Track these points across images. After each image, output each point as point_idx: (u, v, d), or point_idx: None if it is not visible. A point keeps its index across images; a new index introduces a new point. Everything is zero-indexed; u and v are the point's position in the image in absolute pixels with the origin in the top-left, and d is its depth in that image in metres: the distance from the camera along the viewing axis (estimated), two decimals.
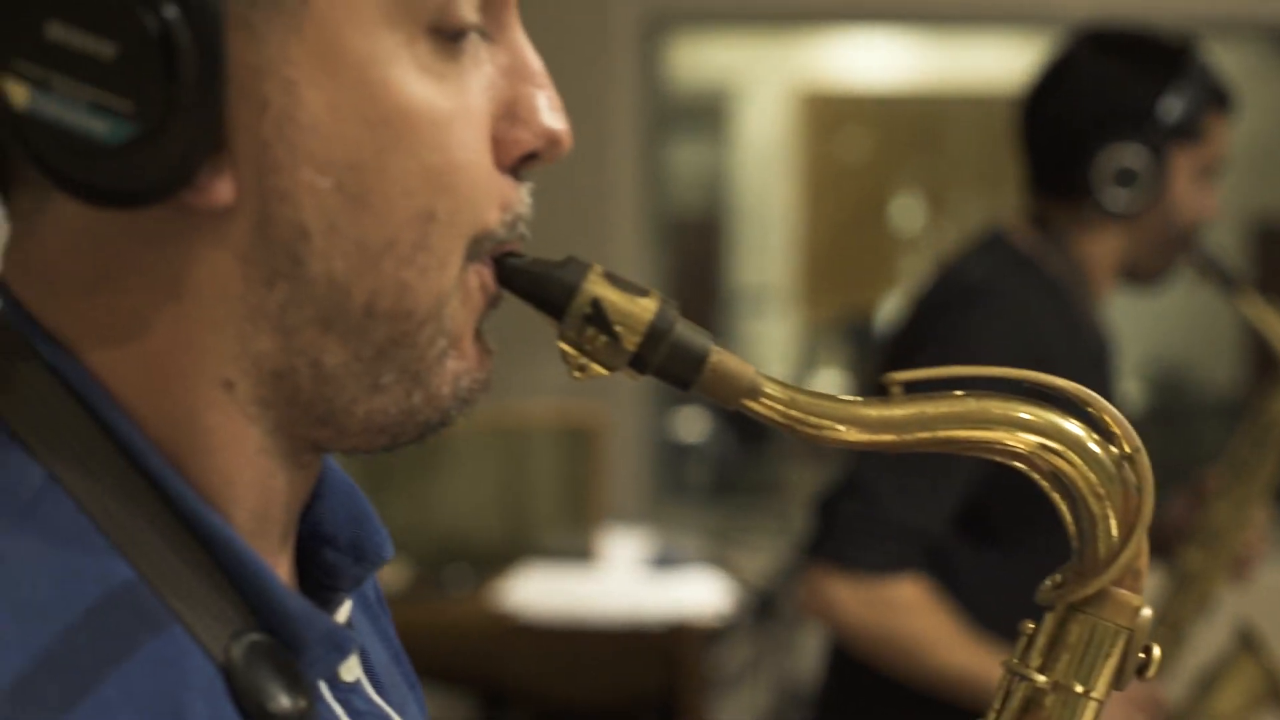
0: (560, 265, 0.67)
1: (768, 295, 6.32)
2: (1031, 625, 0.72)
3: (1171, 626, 2.16)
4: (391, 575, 3.44)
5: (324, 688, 0.68)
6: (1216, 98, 1.98)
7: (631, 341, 0.65)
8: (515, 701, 3.70)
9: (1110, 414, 0.69)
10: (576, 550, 3.75)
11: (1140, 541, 0.69)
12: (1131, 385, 5.69)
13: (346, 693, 0.70)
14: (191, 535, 0.62)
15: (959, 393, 0.69)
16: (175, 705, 0.59)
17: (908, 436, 0.68)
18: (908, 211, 6.34)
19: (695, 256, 6.27)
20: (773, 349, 6.38)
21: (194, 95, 0.57)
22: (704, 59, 6.19)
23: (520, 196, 0.67)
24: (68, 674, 0.56)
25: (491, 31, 0.66)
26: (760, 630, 4.06)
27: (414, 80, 0.62)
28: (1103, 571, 0.69)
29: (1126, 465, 0.69)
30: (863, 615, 1.83)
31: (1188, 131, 1.93)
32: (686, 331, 0.66)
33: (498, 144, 0.66)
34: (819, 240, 6.43)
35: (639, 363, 0.66)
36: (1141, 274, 2.07)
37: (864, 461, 1.81)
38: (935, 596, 1.86)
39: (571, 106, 0.69)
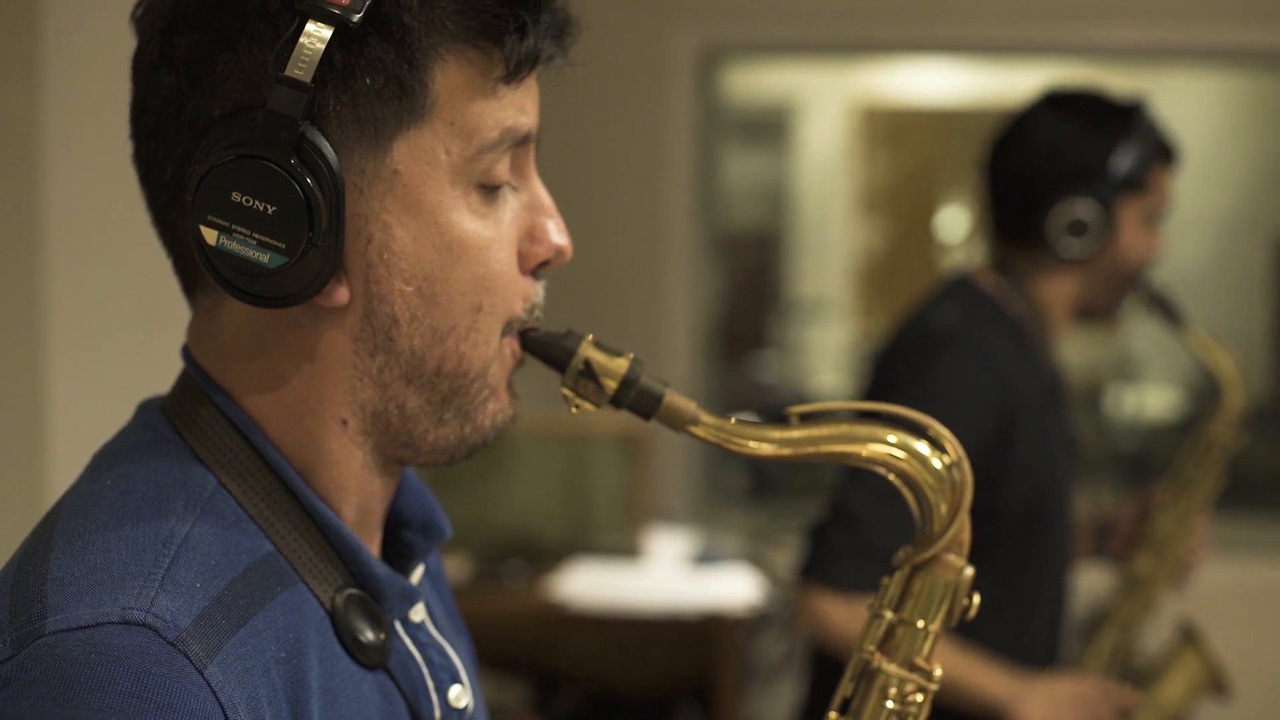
0: (563, 336, 0.92)
1: (823, 305, 6.34)
2: (887, 580, 0.94)
3: (1121, 625, 2.31)
4: (454, 568, 3.57)
5: (399, 626, 0.95)
6: (1162, 152, 2.11)
7: (610, 388, 0.91)
8: (566, 684, 3.79)
9: (945, 435, 0.93)
10: (625, 548, 3.86)
11: (963, 521, 0.92)
12: (1174, 394, 5.81)
13: (414, 630, 0.96)
14: (312, 523, 0.89)
15: (844, 420, 0.93)
16: (298, 634, 0.85)
17: (800, 450, 0.91)
18: (956, 223, 6.36)
19: (755, 267, 6.30)
20: (825, 357, 6.42)
21: (325, 237, 0.82)
22: (765, 76, 6.20)
23: (537, 291, 0.93)
24: (231, 611, 0.81)
25: (517, 181, 0.92)
26: (792, 623, 4.06)
27: (467, 219, 0.87)
28: (936, 542, 0.92)
29: (954, 469, 0.92)
30: (852, 629, 1.91)
31: (1134, 184, 2.07)
32: (649, 380, 0.91)
33: (522, 256, 0.91)
34: (873, 252, 6.44)
35: (616, 401, 0.91)
36: (1094, 312, 2.19)
37: (848, 490, 1.94)
38: None
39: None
